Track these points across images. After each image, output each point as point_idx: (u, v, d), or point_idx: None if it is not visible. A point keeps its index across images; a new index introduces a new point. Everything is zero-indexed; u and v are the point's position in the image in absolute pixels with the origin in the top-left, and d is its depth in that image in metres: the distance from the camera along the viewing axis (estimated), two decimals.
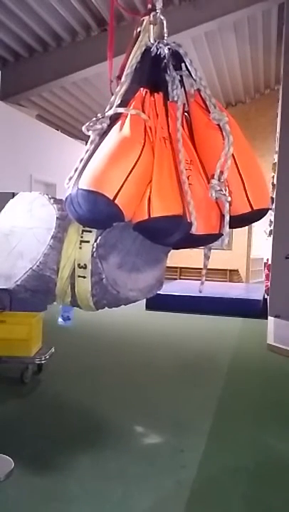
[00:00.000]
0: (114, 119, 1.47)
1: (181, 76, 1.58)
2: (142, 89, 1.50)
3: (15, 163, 6.84)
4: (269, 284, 5.99)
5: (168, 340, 5.20)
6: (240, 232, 12.30)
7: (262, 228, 11.06)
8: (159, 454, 2.52)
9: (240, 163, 1.46)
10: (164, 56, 1.56)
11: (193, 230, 1.43)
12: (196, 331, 5.91)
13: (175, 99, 1.55)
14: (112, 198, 1.27)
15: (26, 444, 2.50)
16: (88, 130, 1.48)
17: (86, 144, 1.52)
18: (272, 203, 6.36)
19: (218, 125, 1.48)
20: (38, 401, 3.24)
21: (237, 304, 7.33)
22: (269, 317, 5.49)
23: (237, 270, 12.32)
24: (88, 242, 1.51)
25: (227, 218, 1.44)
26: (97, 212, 1.34)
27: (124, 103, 1.48)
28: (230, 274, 12.24)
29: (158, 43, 1.61)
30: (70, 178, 1.48)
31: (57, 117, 10.55)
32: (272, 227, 6.31)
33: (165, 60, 1.56)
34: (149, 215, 1.35)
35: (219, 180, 1.41)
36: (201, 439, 2.64)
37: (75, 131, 11.39)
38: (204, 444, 2.58)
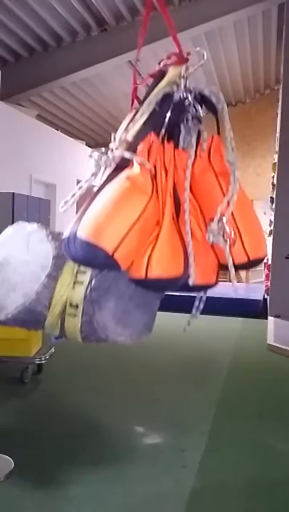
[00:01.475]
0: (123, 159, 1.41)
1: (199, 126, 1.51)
2: (153, 134, 1.43)
3: (15, 163, 6.84)
4: (269, 284, 5.98)
5: (168, 340, 5.20)
6: None
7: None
8: (159, 454, 2.51)
9: (236, 210, 1.41)
10: (188, 104, 1.47)
11: (191, 283, 1.40)
12: (196, 331, 5.90)
13: (186, 146, 1.48)
14: (110, 252, 1.23)
15: (26, 444, 2.50)
16: (91, 157, 1.43)
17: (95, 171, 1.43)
18: (272, 203, 6.36)
19: (215, 172, 1.44)
20: (38, 401, 3.24)
21: (237, 304, 7.33)
22: (269, 317, 5.49)
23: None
24: (82, 283, 1.51)
25: (230, 262, 1.39)
26: (94, 262, 1.34)
27: (133, 145, 1.41)
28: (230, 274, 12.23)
29: (184, 88, 1.50)
30: (66, 202, 1.43)
31: (57, 117, 10.56)
32: (272, 227, 6.31)
33: (187, 109, 1.47)
34: (146, 275, 1.31)
35: (218, 224, 1.37)
36: (202, 439, 2.64)
37: (75, 131, 11.40)
38: (204, 444, 2.58)
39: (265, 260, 8.33)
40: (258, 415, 3.10)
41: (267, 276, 7.32)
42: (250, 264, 1.45)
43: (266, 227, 8.30)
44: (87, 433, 2.70)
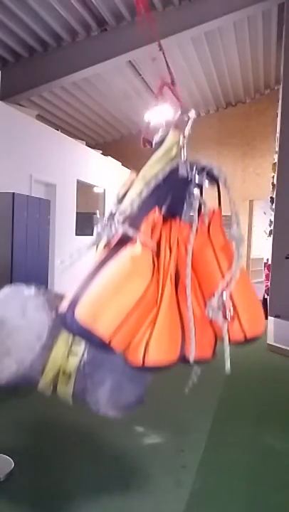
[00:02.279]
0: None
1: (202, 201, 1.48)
2: (157, 209, 1.39)
3: (15, 163, 6.84)
4: (269, 284, 5.98)
5: None
6: None
7: (262, 228, 11.06)
8: (159, 454, 2.51)
9: (235, 287, 1.37)
10: (191, 180, 1.44)
11: (191, 359, 1.39)
12: None
13: (187, 219, 1.46)
14: (107, 340, 1.22)
15: (26, 444, 2.50)
16: (96, 226, 1.41)
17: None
18: (272, 203, 6.36)
19: (214, 247, 1.42)
20: (38, 401, 3.24)
21: None
22: (269, 317, 5.48)
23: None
24: (76, 354, 1.52)
25: (226, 341, 1.37)
26: (90, 343, 1.33)
27: (137, 219, 1.37)
28: None
29: (187, 164, 1.46)
30: (62, 262, 1.40)
31: (57, 117, 10.55)
32: (272, 227, 6.31)
33: (191, 185, 1.44)
34: (144, 363, 1.30)
35: (218, 301, 1.34)
36: (201, 439, 2.64)
37: (75, 131, 11.39)
38: (204, 444, 2.58)
39: (265, 260, 8.29)
40: (258, 415, 3.10)
41: (267, 276, 7.31)
42: (247, 342, 1.43)
43: (266, 227, 8.31)
44: (87, 433, 2.70)
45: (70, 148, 8.68)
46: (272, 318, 5.38)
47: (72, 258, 1.38)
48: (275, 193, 5.85)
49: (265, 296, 7.01)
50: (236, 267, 1.36)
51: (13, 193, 6.11)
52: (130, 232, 1.33)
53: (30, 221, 6.54)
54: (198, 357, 1.42)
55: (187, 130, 1.48)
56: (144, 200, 1.40)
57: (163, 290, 1.32)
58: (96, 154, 10.02)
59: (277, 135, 6.63)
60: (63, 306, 1.30)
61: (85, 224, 9.91)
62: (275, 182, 6.05)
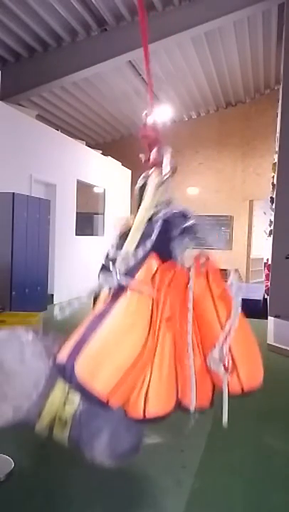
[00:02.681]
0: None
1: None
2: (153, 256, 1.37)
3: (15, 163, 6.84)
4: (269, 284, 5.98)
5: None
6: (240, 232, 12.32)
7: (262, 228, 11.06)
8: (159, 454, 2.51)
9: (235, 338, 1.35)
10: (173, 223, 1.41)
11: (192, 408, 1.38)
12: None
13: (184, 265, 1.44)
14: (105, 399, 1.21)
15: (26, 444, 2.50)
16: (98, 275, 1.39)
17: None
18: (272, 203, 6.36)
19: (213, 296, 1.39)
20: None
21: None
22: (269, 317, 5.48)
23: (237, 270, 12.32)
24: (72, 403, 1.52)
25: (226, 394, 1.35)
26: (88, 401, 1.32)
27: (134, 268, 1.34)
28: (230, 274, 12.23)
29: (166, 208, 1.44)
30: (61, 310, 1.39)
31: (57, 117, 10.56)
32: (272, 227, 6.31)
33: (175, 227, 1.41)
34: (144, 416, 1.29)
35: (219, 353, 1.32)
36: (201, 439, 2.64)
37: (75, 131, 11.40)
38: (204, 444, 2.58)
39: (265, 260, 8.26)
40: (258, 415, 3.10)
41: (267, 276, 7.31)
42: (244, 394, 1.42)
43: (266, 227, 8.31)
44: None
45: (70, 148, 8.68)
46: (272, 318, 5.38)
47: (72, 306, 1.36)
48: (275, 193, 5.84)
49: (265, 296, 7.01)
50: (235, 317, 1.34)
51: (13, 193, 6.11)
52: (133, 283, 1.30)
53: (30, 221, 6.54)
54: (197, 406, 1.40)
55: (166, 167, 1.46)
56: (138, 247, 1.38)
57: (158, 338, 1.30)
58: (96, 154, 10.02)
59: (277, 135, 6.63)
60: (62, 356, 1.27)
61: (85, 224, 9.92)
62: (275, 182, 6.05)
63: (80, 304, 1.33)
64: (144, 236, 1.38)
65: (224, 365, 1.32)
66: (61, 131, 8.83)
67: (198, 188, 12.60)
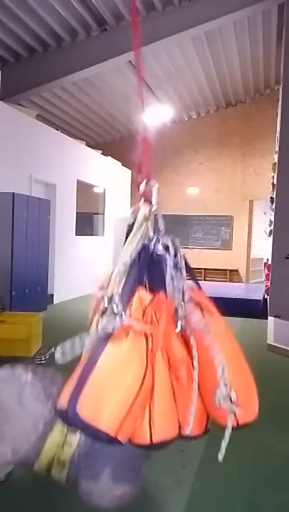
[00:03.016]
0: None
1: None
2: (141, 288, 1.36)
3: (15, 163, 6.84)
4: (269, 284, 5.98)
5: None
6: (240, 232, 12.32)
7: (262, 228, 11.06)
8: (159, 454, 2.51)
9: (229, 371, 1.32)
10: (161, 254, 1.40)
11: (188, 432, 1.36)
12: None
13: (172, 297, 1.41)
14: (113, 434, 1.19)
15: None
16: (101, 320, 1.37)
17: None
18: (272, 203, 6.36)
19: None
20: None
21: (237, 304, 7.34)
22: (269, 317, 5.48)
23: (237, 270, 12.34)
24: (71, 445, 1.53)
25: (229, 428, 1.34)
26: (95, 439, 1.28)
27: (125, 304, 1.32)
28: (230, 274, 12.25)
29: (155, 239, 1.43)
30: (63, 354, 1.38)
31: (57, 117, 10.56)
32: (272, 227, 6.31)
33: (163, 258, 1.40)
34: (151, 441, 1.28)
35: (226, 389, 1.29)
36: (201, 438, 2.64)
37: (75, 131, 11.40)
38: (204, 444, 2.58)
39: (265, 260, 8.26)
40: (258, 415, 3.10)
41: (267, 276, 7.31)
42: (238, 428, 1.42)
43: (266, 227, 8.31)
44: None
45: (70, 148, 8.68)
46: (272, 318, 5.38)
47: (74, 350, 1.35)
48: (275, 193, 5.84)
49: (265, 296, 7.01)
50: (221, 366, 1.30)
51: (13, 193, 6.11)
52: (122, 321, 1.28)
53: (30, 221, 6.54)
54: (194, 434, 1.40)
55: (154, 199, 1.47)
56: (127, 283, 1.36)
57: (154, 368, 1.29)
58: (96, 154, 10.02)
59: (277, 135, 6.63)
60: (63, 401, 1.26)
61: (85, 224, 9.92)
62: (275, 182, 6.05)
63: (82, 348, 1.31)
64: (132, 272, 1.38)
65: (231, 400, 1.29)
66: (61, 131, 8.83)
67: (198, 188, 12.60)
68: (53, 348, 3.83)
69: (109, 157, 10.62)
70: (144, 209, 1.44)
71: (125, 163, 11.28)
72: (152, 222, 1.45)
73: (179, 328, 1.35)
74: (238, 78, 10.39)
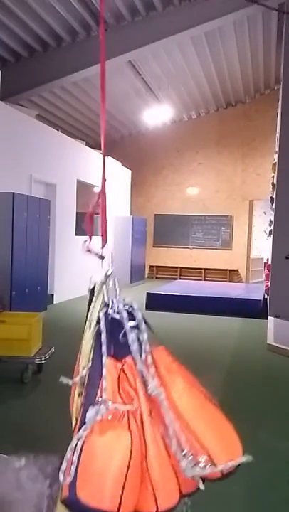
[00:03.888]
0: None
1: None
2: (109, 360, 1.35)
3: (15, 163, 6.84)
4: (269, 284, 5.98)
5: (168, 340, 5.20)
6: (240, 232, 12.32)
7: (262, 228, 11.06)
8: None
9: (195, 427, 1.28)
10: (122, 317, 1.41)
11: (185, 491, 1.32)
12: (196, 331, 5.91)
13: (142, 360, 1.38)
14: (116, 510, 1.17)
15: (26, 444, 2.50)
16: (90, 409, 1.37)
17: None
18: (272, 203, 6.36)
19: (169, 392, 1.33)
20: (38, 401, 3.24)
21: (237, 304, 7.34)
22: (269, 317, 5.48)
23: (237, 270, 12.34)
24: None
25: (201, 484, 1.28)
26: None
27: (97, 381, 1.31)
28: (230, 274, 12.25)
29: (114, 303, 1.43)
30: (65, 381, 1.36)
31: (57, 117, 10.56)
32: (272, 227, 6.31)
33: (122, 322, 1.40)
34: (157, 509, 1.30)
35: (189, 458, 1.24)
36: None
37: (75, 131, 11.40)
38: None
39: (265, 260, 8.27)
40: (258, 415, 3.10)
41: (267, 276, 7.32)
42: (226, 476, 1.38)
43: (266, 227, 8.31)
44: None
45: (70, 148, 8.68)
46: (272, 318, 5.38)
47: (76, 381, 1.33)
48: (275, 193, 5.85)
49: (265, 296, 7.01)
50: (172, 426, 1.32)
51: (13, 193, 6.11)
52: (117, 406, 1.25)
53: (30, 221, 6.54)
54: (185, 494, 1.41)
55: (110, 270, 1.48)
56: (94, 358, 1.37)
57: (140, 434, 1.30)
58: (96, 154, 10.02)
59: (277, 135, 6.63)
60: (64, 489, 1.25)
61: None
62: (275, 182, 6.05)
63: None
64: (95, 344, 1.38)
65: (199, 463, 1.22)
66: (61, 131, 8.83)
67: (198, 188, 12.61)
68: (52, 348, 3.83)
69: (109, 157, 10.62)
70: (101, 281, 1.44)
71: (125, 163, 11.28)
72: (108, 288, 1.43)
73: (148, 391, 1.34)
74: (238, 78, 10.39)
